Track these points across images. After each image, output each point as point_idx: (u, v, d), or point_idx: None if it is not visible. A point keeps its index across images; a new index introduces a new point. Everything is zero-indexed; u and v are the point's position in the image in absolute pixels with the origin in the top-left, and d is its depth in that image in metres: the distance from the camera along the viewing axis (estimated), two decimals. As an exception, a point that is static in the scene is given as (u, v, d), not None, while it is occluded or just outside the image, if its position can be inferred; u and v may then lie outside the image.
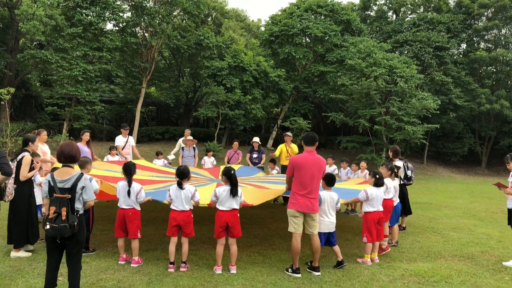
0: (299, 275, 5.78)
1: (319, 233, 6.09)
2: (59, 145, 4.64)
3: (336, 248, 6.32)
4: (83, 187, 4.44)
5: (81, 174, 4.47)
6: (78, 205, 4.45)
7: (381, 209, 6.65)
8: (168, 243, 5.98)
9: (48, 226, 4.27)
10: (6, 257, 6.16)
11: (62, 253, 4.57)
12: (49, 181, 4.41)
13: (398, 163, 8.63)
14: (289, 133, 11.11)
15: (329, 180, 6.30)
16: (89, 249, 6.57)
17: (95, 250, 6.66)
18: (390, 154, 8.85)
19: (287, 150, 11.14)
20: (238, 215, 5.93)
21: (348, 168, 11.08)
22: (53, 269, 4.55)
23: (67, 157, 4.47)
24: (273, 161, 11.69)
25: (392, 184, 7.12)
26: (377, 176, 6.68)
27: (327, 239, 6.23)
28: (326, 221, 6.16)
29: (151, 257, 6.42)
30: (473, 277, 5.96)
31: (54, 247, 4.46)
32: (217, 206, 5.88)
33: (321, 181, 6.17)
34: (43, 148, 7.95)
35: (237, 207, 5.88)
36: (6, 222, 6.55)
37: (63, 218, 4.26)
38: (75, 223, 4.30)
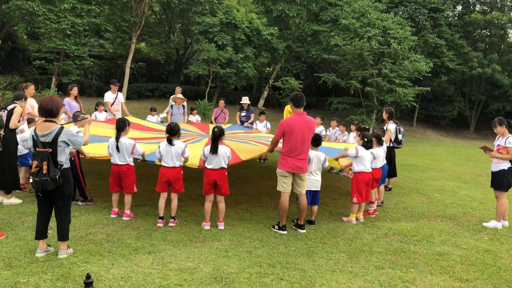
0: (285, 232, 5.92)
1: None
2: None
3: (315, 208, 6.46)
4: (64, 141, 4.46)
5: (61, 128, 4.48)
6: (62, 159, 4.48)
7: (371, 169, 6.75)
8: (158, 199, 6.07)
9: (31, 180, 4.37)
10: (-4, 210, 6.23)
11: (51, 205, 4.67)
12: (33, 136, 4.46)
13: (391, 126, 8.63)
14: None
15: (315, 141, 6.35)
16: (87, 198, 6.85)
17: (92, 200, 6.88)
18: (385, 115, 8.80)
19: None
20: (227, 173, 6.00)
21: (337, 128, 11.11)
22: (43, 221, 4.65)
23: (44, 112, 4.48)
24: (263, 113, 11.83)
25: (380, 153, 7.15)
26: (366, 139, 6.74)
27: (312, 197, 6.35)
28: (312, 179, 6.28)
29: (141, 212, 6.51)
30: (453, 237, 6.15)
31: (42, 199, 4.58)
32: (206, 165, 5.94)
33: None
34: (31, 102, 7.91)
35: (225, 166, 5.93)
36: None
37: (44, 172, 4.32)
38: (57, 176, 4.36)
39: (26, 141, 6.98)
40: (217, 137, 5.84)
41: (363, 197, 6.66)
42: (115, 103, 10.60)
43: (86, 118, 5.90)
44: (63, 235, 4.64)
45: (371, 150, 6.80)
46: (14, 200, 6.61)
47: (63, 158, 4.50)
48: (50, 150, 4.39)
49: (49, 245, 4.76)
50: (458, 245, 5.79)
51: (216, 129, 5.89)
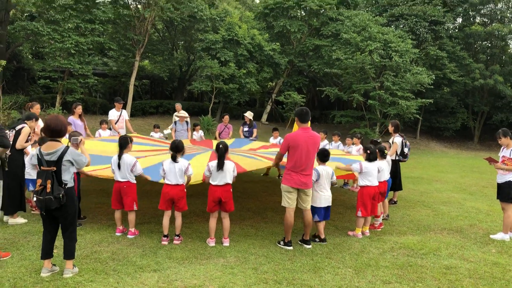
0: (290, 248, 5.89)
1: (319, 208, 6.18)
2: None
3: (324, 222, 6.42)
4: (69, 161, 4.49)
5: (67, 147, 4.52)
6: (66, 177, 4.50)
7: (377, 183, 6.71)
8: (162, 216, 6.06)
9: (35, 199, 4.37)
10: (0, 228, 6.22)
11: (56, 224, 4.69)
12: (37, 154, 4.49)
13: (397, 139, 8.60)
14: None
15: (323, 156, 6.33)
16: (80, 217, 6.76)
17: (86, 217, 6.85)
18: (391, 129, 8.76)
19: None
20: (231, 190, 5.99)
21: (339, 142, 11.12)
22: (49, 240, 4.66)
23: (53, 132, 4.50)
24: (277, 129, 11.88)
25: (384, 166, 7.13)
26: (369, 151, 6.72)
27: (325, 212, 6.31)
28: (326, 195, 6.23)
29: (145, 230, 6.50)
30: (460, 250, 6.10)
31: (46, 218, 4.59)
32: (210, 181, 5.92)
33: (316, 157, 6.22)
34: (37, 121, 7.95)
35: (230, 181, 5.92)
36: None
37: (48, 190, 4.33)
38: (61, 195, 4.37)
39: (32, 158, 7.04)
40: (223, 153, 5.85)
41: (368, 211, 6.62)
42: (119, 120, 10.66)
43: (80, 140, 5.90)
44: (69, 254, 4.63)
45: (376, 162, 6.78)
46: (19, 220, 6.61)
47: (68, 177, 4.52)
48: (55, 168, 4.41)
49: (54, 265, 4.75)
50: (465, 258, 5.74)
51: (221, 145, 5.88)
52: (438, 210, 8.75)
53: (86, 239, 5.91)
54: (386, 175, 7.16)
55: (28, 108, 7.81)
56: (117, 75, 27.00)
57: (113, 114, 10.66)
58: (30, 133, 6.74)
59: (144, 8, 22.62)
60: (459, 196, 10.51)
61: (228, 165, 5.90)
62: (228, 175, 5.88)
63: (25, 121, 6.76)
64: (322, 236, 6.28)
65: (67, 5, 19.18)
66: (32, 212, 7.17)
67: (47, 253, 4.65)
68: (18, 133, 6.52)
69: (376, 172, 6.71)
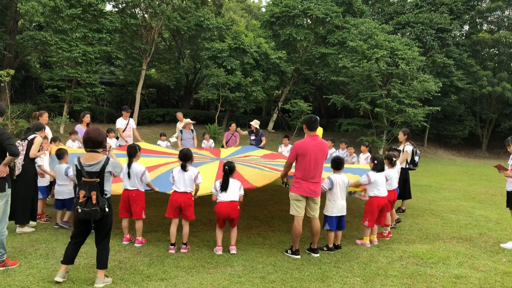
0: (298, 257, 5.85)
1: (331, 217, 6.14)
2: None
3: (340, 233, 6.37)
4: (110, 171, 4.56)
5: (108, 158, 4.57)
6: (107, 188, 4.58)
7: (386, 194, 6.64)
8: (169, 224, 6.04)
9: (79, 210, 4.39)
10: (9, 237, 6.22)
11: (86, 236, 4.74)
12: (76, 165, 4.51)
13: (408, 147, 8.53)
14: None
15: (336, 164, 6.28)
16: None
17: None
18: (403, 137, 8.62)
19: None
20: (239, 207, 5.96)
21: (346, 150, 11.03)
22: (76, 248, 4.70)
23: (94, 143, 4.56)
24: (287, 137, 11.83)
25: (393, 174, 7.07)
26: (375, 161, 6.67)
27: (338, 222, 6.26)
28: (338, 204, 6.17)
29: (152, 238, 6.48)
30: (470, 259, 6.02)
31: (83, 229, 4.63)
32: (218, 199, 5.93)
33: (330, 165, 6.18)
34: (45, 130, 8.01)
35: (236, 199, 5.90)
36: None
37: (94, 201, 4.37)
38: (105, 206, 4.43)
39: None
40: (227, 175, 5.86)
41: (374, 221, 6.56)
42: (126, 129, 10.68)
43: (109, 146, 5.93)
44: (102, 263, 4.65)
45: (384, 172, 6.72)
46: (26, 229, 6.61)
47: (108, 188, 4.60)
48: (98, 180, 4.46)
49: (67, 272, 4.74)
50: (475, 267, 5.67)
51: (226, 167, 5.89)
52: (447, 218, 8.67)
53: (93, 248, 5.88)
54: (394, 184, 7.10)
55: (37, 117, 7.88)
56: (124, 84, 27.20)
57: (120, 122, 10.69)
58: (42, 143, 6.80)
59: (151, 17, 22.82)
60: (468, 204, 10.42)
61: (234, 184, 5.90)
62: (234, 194, 5.88)
63: (35, 132, 6.81)
64: (331, 245, 6.23)
65: (75, 15, 19.39)
66: (38, 221, 7.18)
67: (71, 259, 4.66)
68: (30, 143, 6.56)
69: (384, 182, 6.65)
